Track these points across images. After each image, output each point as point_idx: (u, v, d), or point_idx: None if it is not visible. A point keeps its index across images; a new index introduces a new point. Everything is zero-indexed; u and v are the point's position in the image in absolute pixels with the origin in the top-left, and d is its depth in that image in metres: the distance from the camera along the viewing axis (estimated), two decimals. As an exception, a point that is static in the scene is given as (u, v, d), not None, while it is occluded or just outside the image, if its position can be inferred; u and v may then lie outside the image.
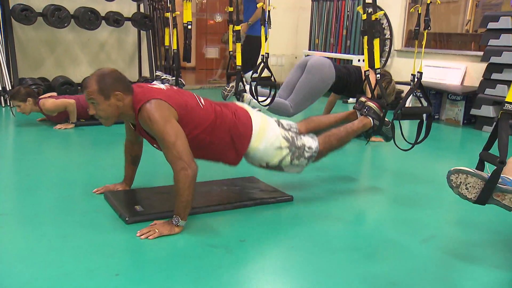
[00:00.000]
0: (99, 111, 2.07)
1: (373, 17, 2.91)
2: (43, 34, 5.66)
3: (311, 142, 2.44)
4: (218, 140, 2.24)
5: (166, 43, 4.68)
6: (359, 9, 2.97)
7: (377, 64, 2.84)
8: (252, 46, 5.06)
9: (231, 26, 3.69)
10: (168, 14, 4.50)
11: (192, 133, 2.13)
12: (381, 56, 6.26)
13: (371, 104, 2.69)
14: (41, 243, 1.92)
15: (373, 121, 2.66)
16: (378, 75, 2.83)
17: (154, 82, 3.57)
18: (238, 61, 3.49)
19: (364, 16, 2.90)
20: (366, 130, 2.68)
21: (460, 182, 1.84)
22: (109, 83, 2.03)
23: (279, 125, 2.45)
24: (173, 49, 4.40)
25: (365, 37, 2.81)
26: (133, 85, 2.16)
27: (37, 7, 5.29)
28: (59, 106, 4.02)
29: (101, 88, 2.02)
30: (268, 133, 2.34)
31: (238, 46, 3.53)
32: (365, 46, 2.88)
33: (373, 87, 3.07)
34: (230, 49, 3.85)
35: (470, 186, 1.83)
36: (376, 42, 2.82)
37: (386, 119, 2.74)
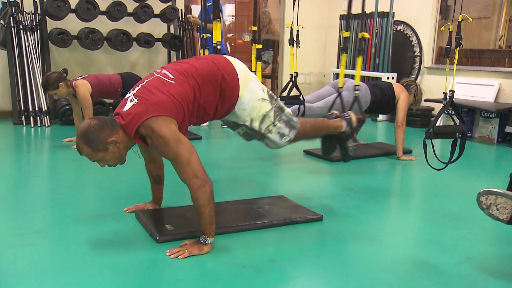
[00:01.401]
0: (109, 162, 2.05)
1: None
2: (78, 55, 5.85)
3: (290, 110, 2.43)
4: (210, 97, 2.15)
5: None
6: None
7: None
8: None
9: (254, 46, 3.75)
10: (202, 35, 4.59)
11: (187, 112, 2.08)
12: (410, 74, 6.20)
13: (351, 113, 2.69)
14: (74, 261, 1.95)
15: (346, 127, 2.62)
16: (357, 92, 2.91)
17: None
18: (259, 78, 3.55)
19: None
20: (336, 134, 2.63)
21: (490, 203, 1.80)
22: (96, 138, 1.96)
23: None
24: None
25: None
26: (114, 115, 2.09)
27: (72, 30, 5.49)
28: (86, 101, 4.03)
29: (94, 148, 1.98)
30: (252, 82, 2.27)
31: (259, 65, 3.57)
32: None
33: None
34: (253, 69, 3.91)
35: (501, 207, 1.78)
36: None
37: (356, 137, 2.73)
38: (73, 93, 4.08)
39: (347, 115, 2.66)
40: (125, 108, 2.02)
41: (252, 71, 3.73)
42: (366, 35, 2.89)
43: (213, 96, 2.17)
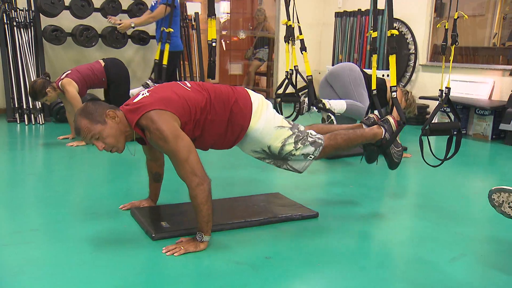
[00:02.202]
0: (106, 139, 2.02)
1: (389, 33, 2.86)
2: (72, 53, 5.82)
3: (314, 131, 2.37)
4: (219, 116, 2.16)
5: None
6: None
7: (393, 82, 2.77)
8: (173, 61, 4.90)
9: (286, 44, 3.82)
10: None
11: (194, 118, 2.09)
12: (405, 71, 6.21)
13: (389, 117, 2.56)
14: (69, 259, 1.95)
15: (385, 134, 2.48)
16: (394, 93, 2.77)
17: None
18: None
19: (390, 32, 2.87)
20: (375, 142, 2.49)
21: (503, 201, 1.81)
22: (95, 110, 2.00)
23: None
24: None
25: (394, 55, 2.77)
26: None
27: (66, 27, 5.45)
28: (75, 100, 4.00)
29: (92, 119, 1.99)
30: (267, 111, 2.26)
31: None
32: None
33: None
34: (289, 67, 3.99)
35: None
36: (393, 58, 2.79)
37: (399, 141, 2.55)
38: (62, 93, 4.08)
39: (385, 120, 2.53)
40: (135, 100, 2.09)
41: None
42: (395, 32, 2.85)
43: (222, 116, 2.17)
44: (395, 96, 2.74)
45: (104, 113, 2.01)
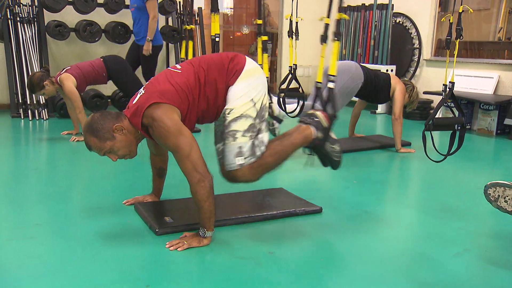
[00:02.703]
0: (119, 151, 2.03)
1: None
2: (75, 48, 5.82)
3: (265, 140, 2.14)
4: (218, 84, 2.08)
5: (182, 55, 4.71)
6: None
7: (332, 71, 2.44)
8: (153, 55, 5.06)
9: (259, 38, 3.71)
10: (185, 27, 4.54)
11: (193, 99, 2.06)
12: (409, 66, 6.18)
13: (317, 112, 2.26)
14: (73, 254, 1.95)
15: (315, 133, 2.21)
16: (331, 83, 2.41)
17: None
18: (266, 72, 3.51)
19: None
20: (310, 144, 2.24)
21: (499, 195, 1.80)
22: (101, 126, 1.98)
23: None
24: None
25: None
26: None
27: (70, 22, 5.46)
28: (73, 94, 3.98)
29: (100, 137, 1.98)
30: (256, 82, 2.12)
31: (265, 57, 3.55)
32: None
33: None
34: (260, 62, 3.87)
35: (509, 199, 1.78)
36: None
37: (334, 136, 2.28)
38: (60, 88, 4.09)
39: (313, 118, 2.25)
40: (134, 101, 2.06)
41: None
42: (345, 16, 2.61)
43: (220, 83, 2.09)
44: (332, 86, 2.39)
45: (111, 129, 1.99)
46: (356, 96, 3.98)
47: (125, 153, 2.06)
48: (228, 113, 2.09)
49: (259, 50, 3.67)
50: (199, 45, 6.39)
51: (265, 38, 3.53)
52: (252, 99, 2.09)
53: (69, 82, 3.99)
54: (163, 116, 1.94)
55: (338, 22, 2.46)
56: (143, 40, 4.99)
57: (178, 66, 2.14)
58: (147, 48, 4.95)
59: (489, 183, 1.83)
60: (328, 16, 2.78)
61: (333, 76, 2.40)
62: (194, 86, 2.06)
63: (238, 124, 2.08)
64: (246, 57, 2.22)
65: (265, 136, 2.15)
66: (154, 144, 2.34)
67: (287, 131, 2.26)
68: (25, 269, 1.80)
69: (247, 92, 2.09)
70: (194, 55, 5.63)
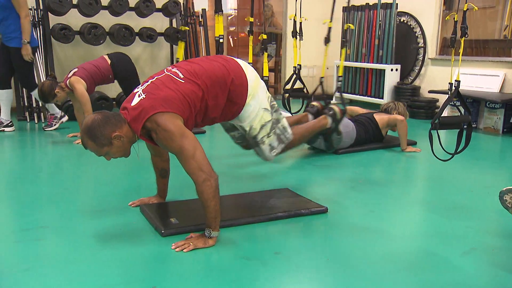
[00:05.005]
0: (114, 155, 2.07)
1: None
2: (80, 51, 5.84)
3: (285, 124, 2.50)
4: (218, 100, 2.18)
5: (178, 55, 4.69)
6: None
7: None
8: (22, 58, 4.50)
9: (251, 37, 3.76)
10: (181, 27, 4.53)
11: (195, 110, 2.10)
12: (414, 65, 6.16)
13: (334, 106, 2.76)
14: (80, 255, 1.96)
15: (330, 124, 2.75)
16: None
17: None
18: (265, 72, 3.56)
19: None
20: (323, 131, 2.78)
21: None
22: (100, 133, 1.97)
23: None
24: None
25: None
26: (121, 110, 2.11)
27: (74, 25, 5.48)
28: (83, 97, 3.98)
29: (98, 143, 1.99)
30: (260, 91, 2.32)
31: (265, 56, 3.59)
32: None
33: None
34: (250, 60, 3.89)
35: None
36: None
37: (340, 129, 2.86)
38: (71, 92, 4.10)
39: (331, 110, 2.73)
40: (133, 103, 2.04)
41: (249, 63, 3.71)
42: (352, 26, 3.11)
43: (221, 99, 2.19)
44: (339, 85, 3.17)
45: (110, 136, 1.98)
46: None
47: (120, 156, 2.10)
48: (250, 130, 2.35)
49: (250, 48, 3.71)
50: (203, 46, 6.40)
51: (264, 36, 3.61)
52: (264, 108, 2.33)
53: (80, 85, 4.02)
54: (167, 122, 1.96)
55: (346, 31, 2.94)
56: (14, 42, 4.38)
57: (179, 75, 2.13)
58: (26, 53, 4.38)
59: (504, 189, 1.78)
60: (331, 20, 3.66)
61: (340, 76, 3.31)
62: (196, 98, 2.10)
63: (262, 132, 2.37)
64: (243, 66, 2.28)
65: (283, 120, 2.47)
66: (153, 146, 2.34)
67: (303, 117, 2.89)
68: (32, 271, 1.81)
69: (259, 107, 2.31)
70: (186, 56, 5.63)
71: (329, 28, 3.33)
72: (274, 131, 2.40)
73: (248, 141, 2.48)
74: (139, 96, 2.05)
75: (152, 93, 2.04)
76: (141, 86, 2.12)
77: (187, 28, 4.53)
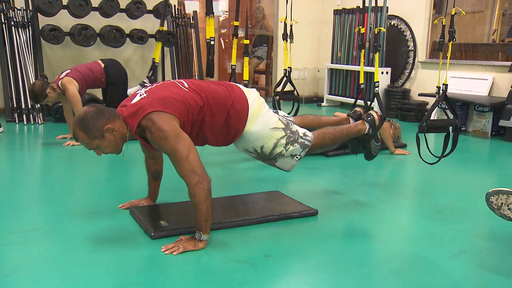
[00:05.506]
0: (105, 150, 2.07)
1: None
2: (70, 52, 5.81)
3: (306, 130, 2.44)
4: (216, 118, 2.19)
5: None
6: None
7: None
8: None
9: (235, 39, 3.79)
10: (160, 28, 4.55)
11: (192, 118, 2.11)
12: (404, 68, 6.20)
13: (373, 112, 2.66)
14: (69, 258, 1.95)
15: (369, 130, 2.62)
16: (376, 89, 2.99)
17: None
18: (246, 76, 3.60)
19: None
20: (358, 137, 2.64)
21: (502, 203, 1.78)
22: (92, 125, 1.98)
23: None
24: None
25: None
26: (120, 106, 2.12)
27: (64, 26, 5.44)
28: (75, 98, 3.97)
29: (90, 135, 1.99)
30: (264, 113, 2.31)
31: (246, 60, 3.61)
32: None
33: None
34: (233, 63, 3.92)
35: None
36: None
37: (379, 136, 2.72)
38: (62, 93, 4.07)
39: (370, 116, 2.65)
40: (133, 101, 2.07)
41: (232, 66, 3.74)
42: (381, 29, 3.07)
43: (219, 118, 2.19)
44: (377, 91, 2.97)
45: (102, 129, 1.99)
46: None
47: (110, 152, 2.10)
48: (262, 149, 2.31)
49: (234, 51, 3.73)
50: (194, 47, 6.40)
51: (246, 42, 3.64)
52: (272, 127, 2.30)
53: (72, 86, 4.00)
54: (163, 121, 1.97)
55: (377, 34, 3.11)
56: None
57: (185, 84, 2.19)
58: None
59: (491, 190, 1.79)
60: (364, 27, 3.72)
61: (377, 82, 3.22)
62: (196, 106, 2.11)
63: (277, 148, 2.32)
64: (246, 92, 2.31)
65: (301, 130, 2.41)
66: (148, 150, 2.34)
67: (344, 119, 2.77)
68: (21, 274, 1.80)
69: (266, 128, 2.29)
70: (177, 57, 5.60)
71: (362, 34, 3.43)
72: (292, 142, 2.34)
73: (264, 159, 2.41)
74: (140, 95, 2.09)
75: (153, 92, 2.09)
76: (144, 88, 2.16)
77: (165, 28, 4.56)
